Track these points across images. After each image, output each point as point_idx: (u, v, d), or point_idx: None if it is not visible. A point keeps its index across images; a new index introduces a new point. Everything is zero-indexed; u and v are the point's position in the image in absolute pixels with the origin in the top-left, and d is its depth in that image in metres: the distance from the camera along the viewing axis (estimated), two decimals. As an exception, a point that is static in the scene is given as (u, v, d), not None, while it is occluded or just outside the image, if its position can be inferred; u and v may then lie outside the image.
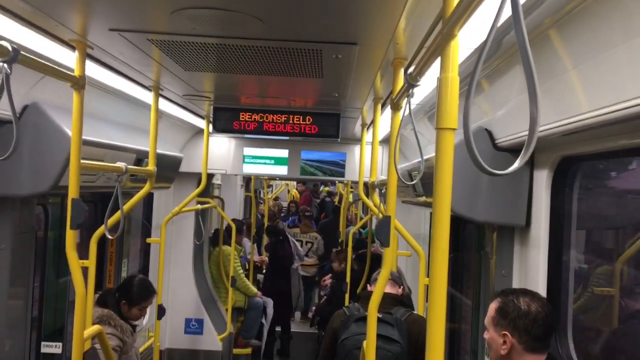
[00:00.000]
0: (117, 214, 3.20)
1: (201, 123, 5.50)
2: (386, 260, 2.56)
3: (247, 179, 11.17)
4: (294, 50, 2.58)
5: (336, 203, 13.87)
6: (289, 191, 16.65)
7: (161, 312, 4.97)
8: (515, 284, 3.07)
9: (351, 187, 10.67)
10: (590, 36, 1.87)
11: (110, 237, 2.98)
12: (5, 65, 1.82)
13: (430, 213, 5.63)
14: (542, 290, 2.75)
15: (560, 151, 2.68)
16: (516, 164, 0.91)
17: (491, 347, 2.20)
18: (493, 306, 2.22)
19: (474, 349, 3.82)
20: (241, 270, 7.35)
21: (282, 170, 6.22)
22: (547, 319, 2.12)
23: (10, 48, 1.81)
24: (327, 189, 16.86)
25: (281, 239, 8.71)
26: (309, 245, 9.85)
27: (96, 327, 2.90)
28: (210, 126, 4.99)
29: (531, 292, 2.23)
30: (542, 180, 2.82)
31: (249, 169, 6.25)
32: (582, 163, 2.77)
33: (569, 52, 2.05)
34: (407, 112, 2.12)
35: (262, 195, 13.12)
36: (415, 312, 3.54)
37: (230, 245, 7.06)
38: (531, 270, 2.92)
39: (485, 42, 0.93)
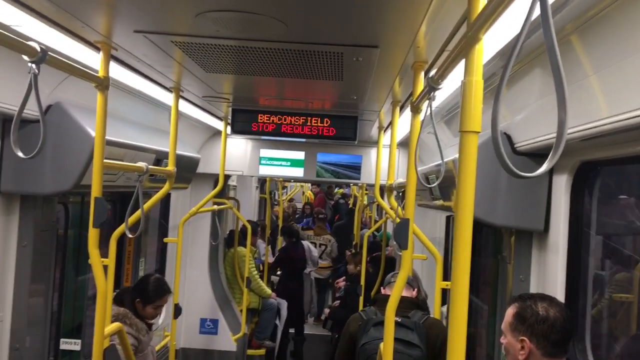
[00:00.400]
0: (137, 213, 3.24)
1: (219, 124, 5.54)
2: (404, 263, 2.57)
3: (262, 181, 11.22)
4: (315, 53, 2.60)
5: (350, 205, 13.87)
6: (303, 193, 16.68)
7: (177, 311, 5.01)
8: (533, 289, 3.06)
9: (366, 190, 10.68)
10: (611, 42, 1.87)
11: (130, 235, 3.01)
12: (34, 65, 1.85)
13: (446, 217, 5.64)
14: (561, 296, 2.74)
15: (580, 156, 2.67)
16: (544, 167, 0.92)
17: (509, 352, 2.19)
18: (510, 311, 2.21)
19: (490, 354, 3.81)
20: (256, 272, 7.37)
21: (298, 172, 6.24)
22: (565, 324, 2.11)
23: (38, 49, 1.84)
24: (340, 190, 16.87)
25: (294, 241, 8.71)
26: (322, 247, 9.83)
27: (116, 324, 2.94)
28: (228, 128, 5.03)
29: (549, 297, 2.22)
30: (562, 185, 2.81)
31: (265, 170, 6.28)
32: (602, 168, 2.76)
33: (590, 57, 2.05)
34: (427, 115, 2.13)
35: (276, 197, 13.16)
36: (431, 315, 3.53)
37: (245, 246, 7.09)
38: (549, 275, 2.91)
39: (514, 45, 0.94)
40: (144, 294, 3.69)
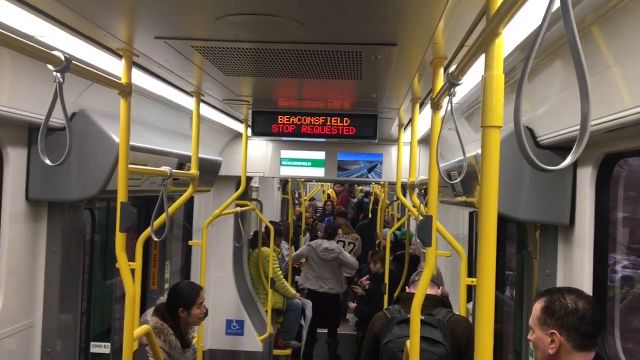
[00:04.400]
0: (162, 217, 3.28)
1: (239, 127, 5.58)
2: (428, 261, 2.56)
3: (284, 181, 11.25)
4: (333, 53, 2.61)
5: (371, 204, 13.84)
6: (324, 192, 16.70)
7: (204, 313, 5.05)
8: (560, 284, 3.03)
9: (387, 188, 10.64)
10: (633, 32, 1.85)
11: (156, 239, 3.05)
12: (59, 74, 1.89)
13: (470, 213, 5.59)
14: (588, 289, 2.71)
15: (603, 148, 2.64)
16: (569, 159, 0.91)
17: (538, 347, 2.17)
18: (538, 306, 2.19)
19: (517, 350, 3.78)
20: (280, 272, 7.41)
21: (319, 172, 6.26)
22: (594, 316, 2.09)
23: (63, 58, 1.88)
24: (360, 188, 16.84)
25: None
26: (351, 246, 9.69)
27: (145, 326, 2.98)
28: (249, 130, 5.06)
29: (576, 290, 2.21)
30: (586, 178, 2.78)
31: (286, 171, 6.31)
32: (626, 160, 2.72)
33: (611, 48, 2.03)
34: (447, 111, 2.12)
35: (298, 197, 13.19)
36: (456, 313, 3.51)
37: (268, 247, 7.13)
38: (576, 269, 2.88)
39: (535, 39, 0.94)
40: (183, 301, 3.60)
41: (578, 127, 2.43)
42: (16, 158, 3.16)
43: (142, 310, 4.81)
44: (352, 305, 7.56)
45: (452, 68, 1.96)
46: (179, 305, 3.57)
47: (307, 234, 11.50)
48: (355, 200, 15.82)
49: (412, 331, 2.53)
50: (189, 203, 6.21)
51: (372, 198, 14.17)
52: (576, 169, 2.89)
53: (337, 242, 9.06)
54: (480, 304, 1.38)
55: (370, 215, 12.70)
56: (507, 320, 4.50)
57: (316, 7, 2.04)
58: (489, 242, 1.36)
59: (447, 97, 2.08)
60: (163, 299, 3.68)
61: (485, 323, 1.38)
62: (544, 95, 2.79)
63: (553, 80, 2.61)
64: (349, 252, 9.38)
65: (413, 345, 2.52)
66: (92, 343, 4.06)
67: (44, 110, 1.90)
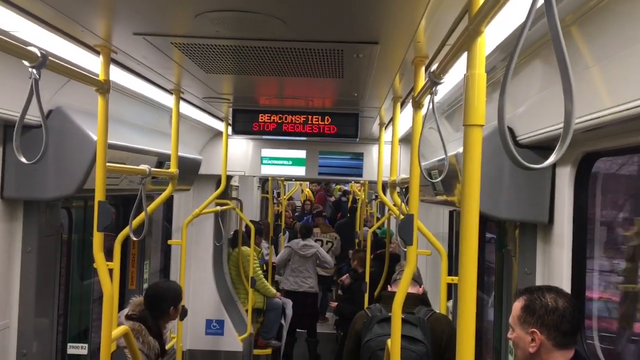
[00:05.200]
0: (141, 216, 3.24)
1: (220, 125, 5.54)
2: (410, 259, 2.57)
3: (264, 180, 11.22)
4: (314, 51, 2.60)
5: (349, 203, 13.86)
6: (302, 191, 16.69)
7: (183, 313, 5.00)
8: (539, 282, 3.06)
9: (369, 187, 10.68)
10: (612, 33, 1.87)
11: (135, 238, 3.01)
12: (34, 70, 1.85)
13: (450, 212, 5.62)
14: (567, 288, 2.73)
15: (582, 147, 2.67)
16: (552, 158, 0.92)
17: (518, 346, 2.18)
18: (518, 304, 2.20)
19: (497, 348, 3.81)
20: (260, 271, 7.38)
21: (300, 171, 6.24)
22: (574, 314, 2.10)
23: (39, 54, 1.84)
24: (338, 186, 16.86)
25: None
26: (329, 245, 9.78)
27: (123, 327, 2.94)
28: (229, 128, 5.02)
29: (555, 288, 2.22)
30: (565, 177, 2.81)
31: (267, 170, 6.28)
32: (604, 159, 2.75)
33: (590, 49, 2.04)
34: (429, 110, 2.12)
35: (278, 196, 13.16)
36: (436, 311, 3.53)
37: (249, 246, 7.10)
38: (555, 267, 2.90)
39: (519, 37, 0.94)
40: (175, 297, 3.67)
41: (557, 126, 2.45)
42: (-10, 156, 3.09)
43: (121, 310, 4.75)
44: (333, 304, 7.57)
45: (433, 67, 1.97)
46: (171, 302, 3.60)
47: (287, 232, 11.49)
48: (332, 199, 15.83)
49: (394, 329, 2.53)
50: (169, 202, 6.15)
51: (350, 197, 14.20)
52: (555, 168, 2.91)
53: (315, 241, 9.12)
54: (462, 302, 1.39)
55: (348, 214, 12.72)
56: (486, 318, 4.53)
57: (298, 4, 2.03)
58: (471, 241, 1.37)
59: (429, 96, 2.09)
60: (137, 299, 3.62)
61: (466, 321, 1.38)
62: (523, 95, 2.80)
63: (533, 80, 2.63)
64: (327, 251, 9.50)
65: (394, 343, 2.53)
66: (69, 344, 3.99)
67: (19, 107, 1.86)
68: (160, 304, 3.56)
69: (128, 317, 3.44)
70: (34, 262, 3.37)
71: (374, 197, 12.06)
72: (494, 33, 2.19)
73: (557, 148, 0.89)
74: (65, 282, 4.08)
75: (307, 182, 16.25)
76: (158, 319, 3.53)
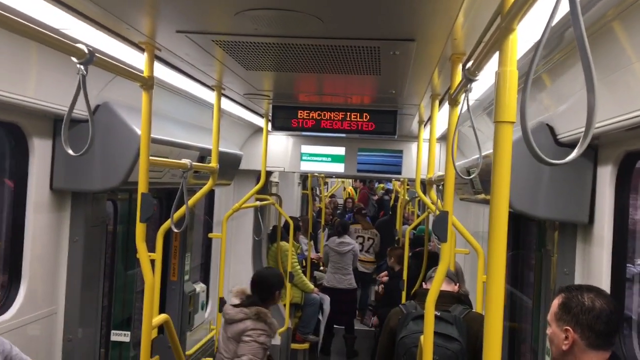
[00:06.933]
0: (182, 209, 3.33)
1: (260, 121, 5.62)
2: (444, 257, 2.56)
3: (304, 177, 11.29)
4: (351, 48, 2.62)
5: (391, 202, 13.80)
6: (344, 188, 16.71)
7: (222, 305, 5.11)
8: (578, 282, 3.01)
9: (407, 185, 10.62)
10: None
11: (176, 230, 3.10)
12: (82, 67, 1.93)
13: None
14: (606, 289, 2.68)
15: (624, 146, 2.61)
16: (574, 154, 0.92)
17: (553, 342, 2.17)
18: (556, 302, 2.19)
19: (534, 349, 3.76)
20: (298, 267, 7.44)
21: (339, 167, 6.27)
22: (611, 316, 2.07)
23: (86, 50, 1.92)
24: (382, 185, 16.79)
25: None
26: (370, 241, 9.83)
27: (163, 315, 3.03)
28: (269, 124, 5.10)
29: (596, 289, 2.19)
30: (606, 177, 2.75)
31: (307, 166, 6.33)
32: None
33: (632, 44, 2.00)
34: (465, 107, 2.12)
35: (318, 193, 13.21)
36: (473, 310, 3.50)
37: (287, 241, 7.17)
38: (594, 268, 2.85)
39: (540, 38, 0.95)
40: (280, 282, 4.08)
41: (598, 124, 2.40)
42: (41, 149, 3.23)
43: (162, 300, 4.89)
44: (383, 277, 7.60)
45: (469, 64, 1.96)
46: (278, 286, 4.00)
47: (326, 230, 11.54)
48: (375, 197, 15.78)
49: (427, 327, 2.54)
50: (210, 196, 6.27)
51: (392, 195, 14.13)
52: (596, 167, 2.86)
53: (357, 237, 9.17)
54: (490, 300, 1.39)
55: (390, 212, 12.66)
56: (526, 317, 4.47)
57: (334, 2, 2.06)
58: (500, 239, 1.36)
59: (465, 93, 2.08)
60: (237, 289, 3.92)
61: (494, 318, 1.38)
62: (565, 93, 2.76)
63: (575, 78, 2.59)
64: (369, 247, 9.54)
65: (427, 340, 2.53)
66: (112, 331, 4.14)
67: (68, 102, 1.94)
68: (270, 289, 3.90)
69: (237, 305, 3.70)
70: (80, 252, 3.51)
71: (415, 195, 11.98)
72: (534, 30, 2.17)
73: (579, 144, 0.90)
74: (110, 272, 4.22)
75: (350, 180, 16.26)
76: (267, 302, 3.84)
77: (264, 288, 3.89)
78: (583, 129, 2.57)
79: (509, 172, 1.36)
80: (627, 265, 2.78)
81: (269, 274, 4.16)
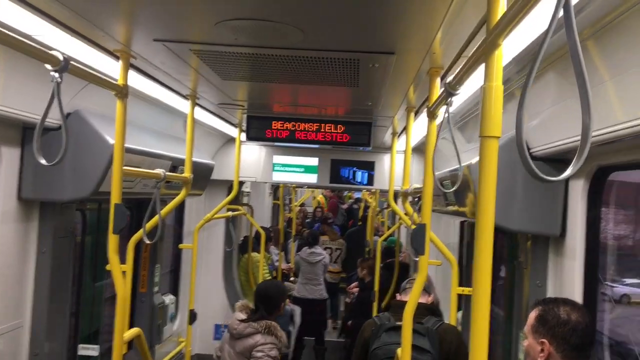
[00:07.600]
0: (154, 219, 3.27)
1: (233, 131, 5.58)
2: (421, 269, 2.57)
3: (275, 187, 11.25)
4: (331, 60, 2.62)
5: (361, 211, 13.84)
6: (314, 197, 16.71)
7: (192, 317, 5.03)
8: (550, 295, 3.05)
9: (382, 197, 10.67)
10: (628, 48, 1.88)
11: (148, 241, 3.04)
12: (56, 74, 1.89)
13: (460, 222, 5.60)
14: (579, 301, 2.72)
15: (596, 161, 2.67)
16: (569, 171, 0.93)
17: (529, 354, 2.19)
18: (533, 314, 2.22)
19: (506, 360, 3.79)
20: (270, 277, 7.39)
21: (312, 178, 6.26)
22: (587, 329, 2.10)
23: (61, 58, 1.88)
24: (350, 194, 16.82)
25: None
26: (337, 252, 9.83)
27: (135, 329, 2.96)
28: (243, 134, 5.06)
29: (572, 302, 2.22)
30: (578, 190, 2.81)
31: (279, 177, 6.31)
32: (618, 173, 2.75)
33: (607, 63, 2.05)
34: (443, 120, 2.14)
35: (288, 202, 13.16)
36: (445, 321, 3.52)
37: (258, 252, 7.11)
38: (567, 280, 2.90)
39: (537, 52, 0.96)
40: (285, 293, 4.13)
41: (572, 139, 2.44)
42: (9, 157, 3.13)
43: (132, 313, 4.77)
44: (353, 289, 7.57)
45: (449, 78, 1.98)
46: (283, 298, 4.02)
47: (296, 240, 11.49)
48: (345, 206, 15.81)
49: (404, 339, 2.54)
50: (181, 206, 6.18)
51: (362, 205, 14.17)
52: (568, 180, 2.91)
53: (325, 249, 9.14)
54: (475, 314, 1.39)
55: (359, 222, 12.70)
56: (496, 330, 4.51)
57: (316, 14, 2.05)
58: (485, 252, 1.37)
59: (444, 107, 2.10)
60: (240, 303, 3.98)
61: (480, 333, 1.38)
62: (537, 107, 2.81)
63: (547, 93, 2.64)
64: (337, 258, 9.52)
65: (404, 353, 2.53)
66: (80, 345, 4.02)
67: (38, 109, 1.89)
68: (276, 301, 3.91)
69: (245, 320, 3.70)
70: (48, 263, 3.41)
71: (385, 205, 12.06)
72: (510, 45, 2.20)
73: (574, 161, 0.91)
74: (78, 284, 4.11)
75: (320, 190, 16.25)
76: (272, 314, 3.84)
77: (270, 300, 3.89)
78: (555, 144, 2.62)
79: (494, 186, 1.37)
80: (612, 284, 2.83)
81: (273, 285, 4.21)
